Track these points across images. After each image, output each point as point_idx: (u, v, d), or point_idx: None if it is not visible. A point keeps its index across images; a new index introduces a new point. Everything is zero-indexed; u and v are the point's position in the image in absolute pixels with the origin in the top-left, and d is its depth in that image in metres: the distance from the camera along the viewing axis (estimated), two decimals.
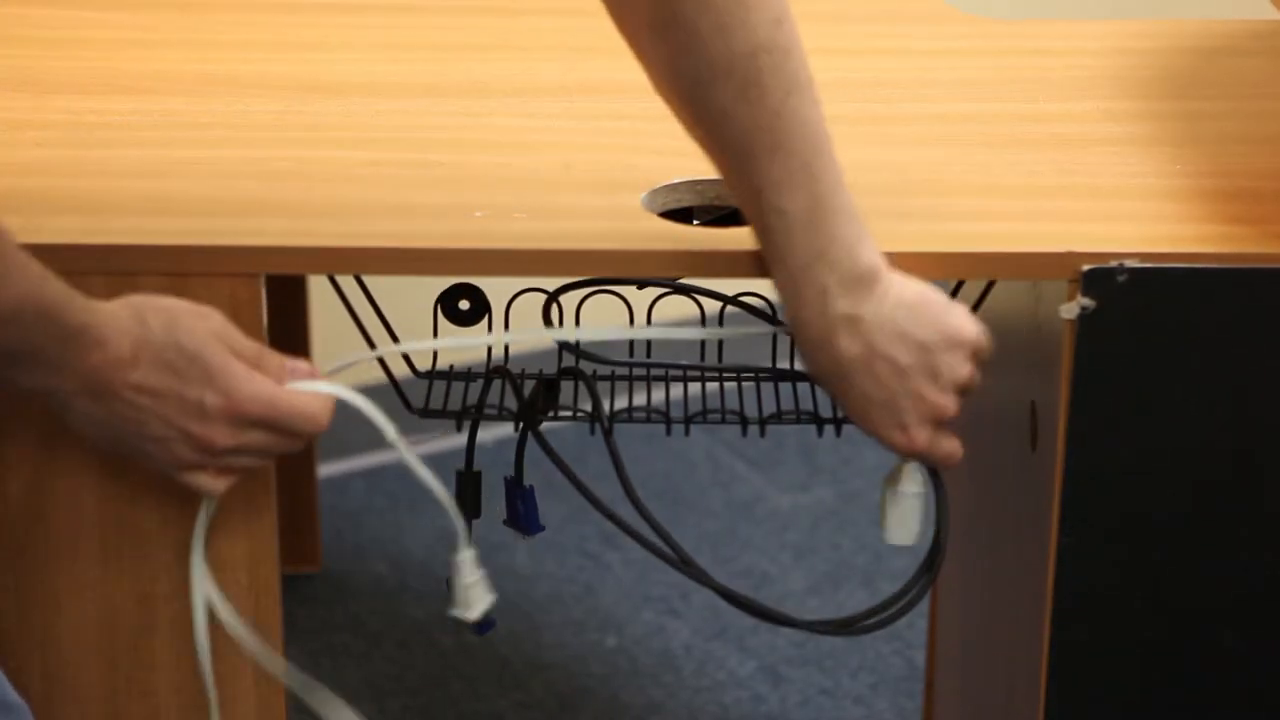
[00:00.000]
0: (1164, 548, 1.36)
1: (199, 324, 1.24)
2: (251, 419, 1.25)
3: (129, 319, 1.23)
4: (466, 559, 1.33)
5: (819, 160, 1.26)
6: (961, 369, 1.30)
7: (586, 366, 1.37)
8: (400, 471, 2.53)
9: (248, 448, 1.26)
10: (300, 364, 1.28)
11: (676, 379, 1.44)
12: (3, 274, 1.16)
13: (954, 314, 1.29)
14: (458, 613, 1.34)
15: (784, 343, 1.36)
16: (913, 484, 1.36)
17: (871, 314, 1.27)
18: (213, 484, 1.28)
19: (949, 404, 1.30)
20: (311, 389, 1.27)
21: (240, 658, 1.36)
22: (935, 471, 1.36)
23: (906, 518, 1.37)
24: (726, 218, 1.39)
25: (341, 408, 1.30)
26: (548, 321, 1.38)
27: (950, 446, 1.33)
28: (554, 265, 1.31)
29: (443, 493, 1.30)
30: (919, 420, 1.30)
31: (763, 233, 1.27)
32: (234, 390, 1.24)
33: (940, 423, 1.31)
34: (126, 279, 1.28)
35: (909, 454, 1.32)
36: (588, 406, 1.37)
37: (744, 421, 1.39)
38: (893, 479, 1.36)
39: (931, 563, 1.37)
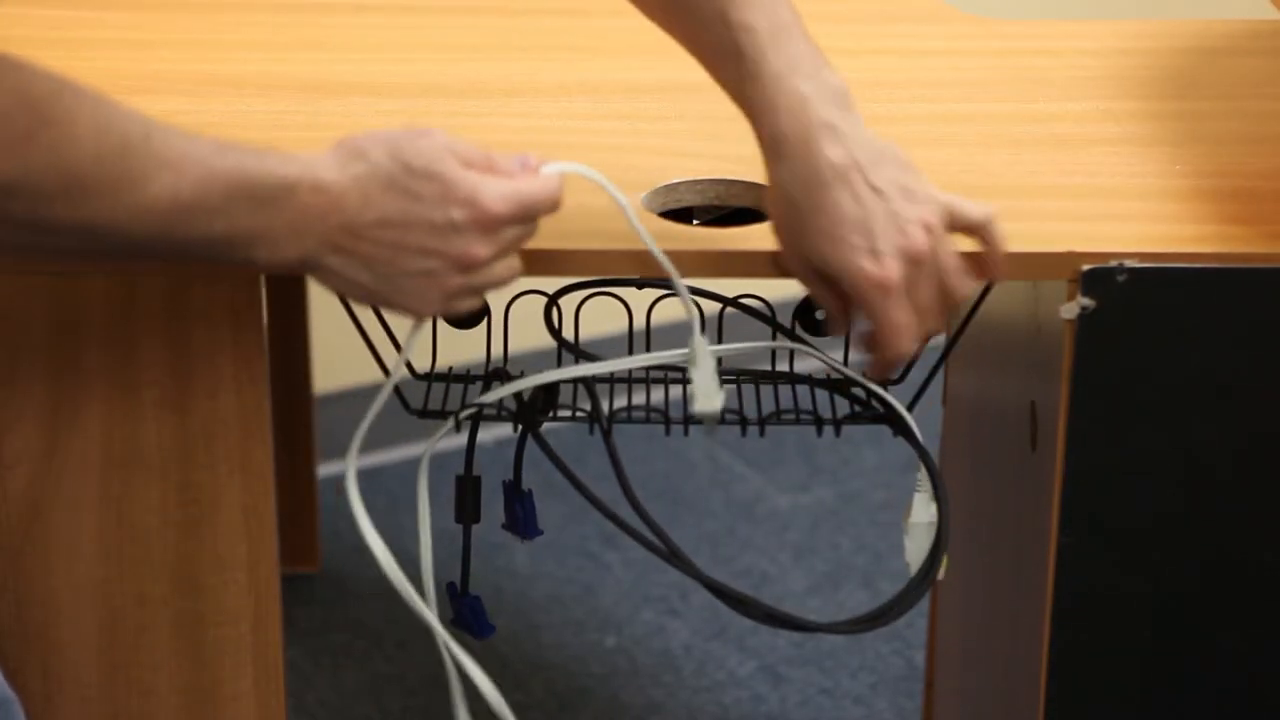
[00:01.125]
0: (1164, 548, 1.36)
1: (423, 141, 1.19)
2: (503, 220, 1.19)
3: (345, 158, 1.17)
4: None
5: None
6: (931, 215, 1.26)
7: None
8: (400, 471, 2.55)
9: (504, 251, 1.21)
10: (528, 157, 1.23)
11: (676, 381, 1.44)
12: (155, 169, 1.12)
13: (920, 174, 1.28)
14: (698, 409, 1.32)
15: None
16: (924, 514, 1.36)
17: (849, 128, 1.26)
18: (473, 302, 1.23)
19: (920, 238, 1.25)
20: (552, 171, 1.23)
21: (240, 657, 1.36)
22: (934, 473, 1.36)
23: (925, 546, 1.37)
24: (726, 218, 1.39)
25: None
26: (549, 323, 1.38)
27: (908, 333, 1.27)
28: (554, 265, 1.31)
29: None
30: (893, 249, 1.25)
31: (734, 56, 1.27)
32: (478, 198, 1.18)
33: (912, 263, 1.25)
34: (126, 279, 1.28)
35: (878, 286, 1.25)
36: (587, 406, 1.37)
37: (744, 422, 1.39)
38: (906, 513, 1.37)
39: (932, 562, 1.37)
